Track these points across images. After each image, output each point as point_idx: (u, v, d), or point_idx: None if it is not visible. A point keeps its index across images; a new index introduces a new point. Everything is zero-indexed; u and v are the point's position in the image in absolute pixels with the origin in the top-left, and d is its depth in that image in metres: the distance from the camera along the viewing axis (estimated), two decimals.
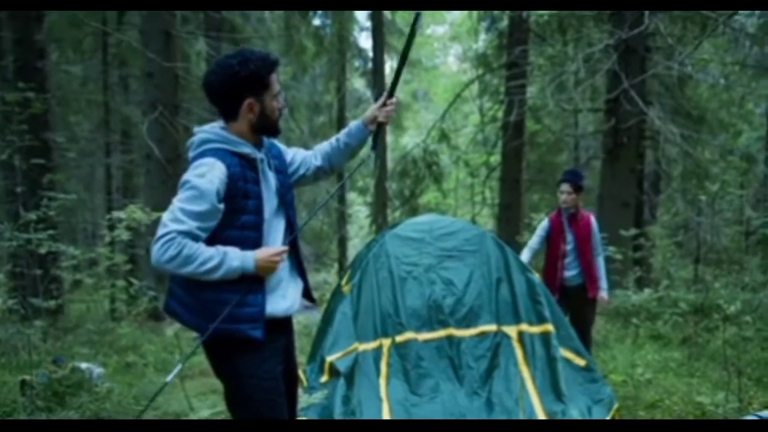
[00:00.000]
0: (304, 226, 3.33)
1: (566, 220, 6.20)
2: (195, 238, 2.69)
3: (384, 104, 3.22)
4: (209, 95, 2.91)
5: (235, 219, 2.82)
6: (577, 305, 6.19)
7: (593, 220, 6.25)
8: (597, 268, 6.21)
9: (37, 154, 8.97)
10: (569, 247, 6.18)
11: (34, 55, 10.04)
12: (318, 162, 3.28)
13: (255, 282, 2.85)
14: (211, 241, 2.74)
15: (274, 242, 2.96)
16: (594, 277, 6.16)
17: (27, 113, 8.01)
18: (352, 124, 3.29)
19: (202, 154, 2.82)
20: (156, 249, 2.65)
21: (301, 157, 3.26)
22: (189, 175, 2.75)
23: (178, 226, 2.66)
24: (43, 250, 6.91)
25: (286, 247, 2.93)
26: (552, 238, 6.27)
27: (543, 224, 6.39)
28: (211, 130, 2.90)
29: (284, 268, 3.00)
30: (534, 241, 6.39)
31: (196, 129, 2.95)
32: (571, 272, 6.20)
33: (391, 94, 3.23)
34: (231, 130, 2.90)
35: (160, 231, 2.66)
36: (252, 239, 2.87)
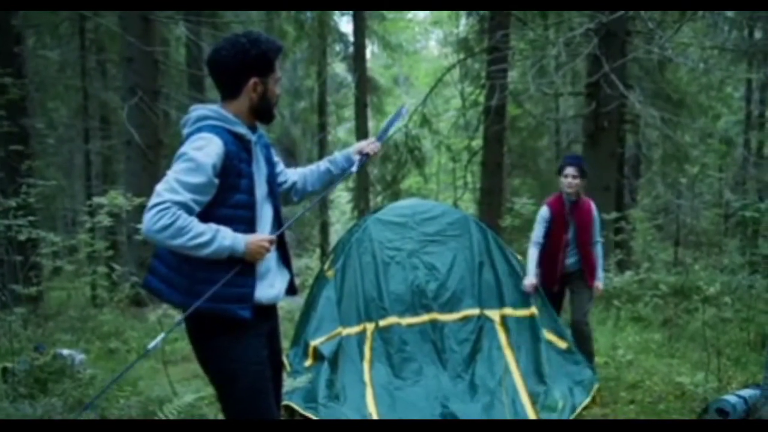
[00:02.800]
0: (297, 219, 3.32)
1: (569, 209, 5.78)
2: (189, 210, 2.66)
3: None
4: (214, 71, 2.90)
5: (229, 197, 2.80)
6: (576, 289, 5.90)
7: (594, 206, 5.87)
8: (595, 256, 5.87)
9: (15, 140, 8.89)
10: (570, 236, 5.80)
11: (10, 41, 9.92)
12: (294, 178, 3.30)
13: (247, 265, 2.84)
14: (203, 219, 2.71)
15: (264, 227, 2.96)
16: (592, 265, 5.82)
17: (4, 99, 7.92)
18: (337, 154, 3.35)
19: (199, 130, 2.80)
20: (149, 217, 2.60)
21: (282, 166, 3.27)
22: (186, 148, 2.73)
23: (173, 196, 2.62)
24: (22, 237, 6.86)
25: (274, 237, 2.93)
26: (553, 228, 5.81)
27: (543, 214, 5.84)
28: (208, 107, 2.90)
29: (272, 258, 3.00)
30: (538, 234, 5.85)
31: (192, 107, 2.94)
32: (570, 259, 5.85)
33: (379, 139, 3.39)
34: (229, 108, 2.89)
35: (154, 200, 2.62)
36: (245, 219, 2.86)
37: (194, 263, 2.75)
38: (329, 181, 3.36)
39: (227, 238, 2.72)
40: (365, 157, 3.32)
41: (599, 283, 5.87)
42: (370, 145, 3.33)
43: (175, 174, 2.67)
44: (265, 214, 2.98)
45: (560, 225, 5.81)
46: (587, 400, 5.22)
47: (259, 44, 2.83)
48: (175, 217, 2.60)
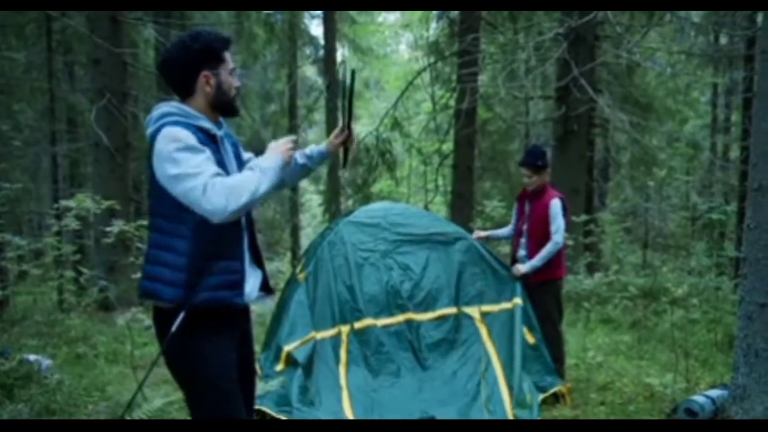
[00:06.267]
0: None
1: (528, 198, 5.86)
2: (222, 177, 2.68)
3: (342, 134, 3.27)
4: (165, 73, 2.88)
5: None
6: (528, 289, 5.78)
7: (555, 202, 5.67)
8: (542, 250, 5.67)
9: None
10: (525, 226, 5.84)
11: None
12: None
13: (237, 250, 2.88)
14: (181, 206, 2.69)
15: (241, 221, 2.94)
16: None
17: None
18: (314, 148, 3.29)
19: (163, 126, 2.76)
20: (206, 207, 2.59)
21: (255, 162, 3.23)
22: (164, 147, 2.67)
23: (205, 177, 2.61)
24: None
25: (294, 137, 2.96)
26: (518, 215, 5.99)
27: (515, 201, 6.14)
28: (171, 104, 2.86)
29: (245, 259, 2.97)
30: (512, 220, 6.13)
31: (155, 106, 2.90)
32: (521, 251, 5.86)
33: (348, 128, 3.27)
34: (191, 107, 2.87)
35: (196, 193, 2.59)
36: None
37: (201, 259, 2.73)
38: (305, 174, 3.35)
39: (264, 161, 2.78)
40: (346, 151, 3.31)
41: (520, 266, 5.73)
42: (339, 137, 3.27)
43: (183, 168, 2.63)
44: None
45: (520, 212, 5.98)
46: (541, 396, 5.26)
47: (200, 38, 2.83)
48: (222, 184, 2.61)
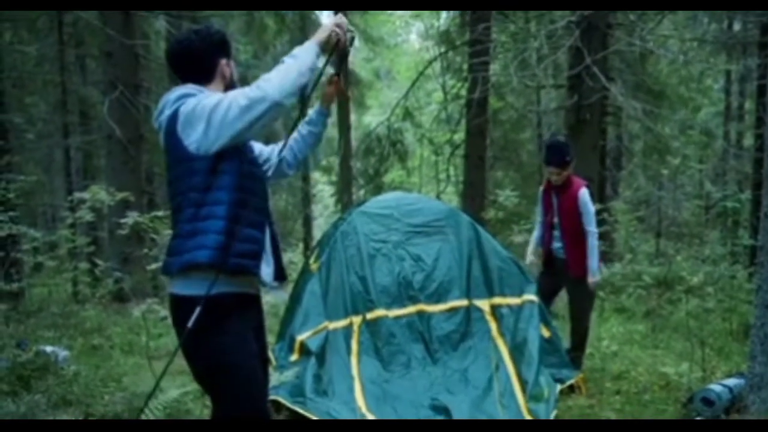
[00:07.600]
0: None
1: (554, 191, 5.86)
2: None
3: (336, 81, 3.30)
4: (185, 59, 2.92)
5: (242, 154, 2.85)
6: (561, 281, 5.91)
7: (582, 192, 5.70)
8: (584, 246, 5.69)
9: None
10: (556, 219, 5.86)
11: None
12: (282, 152, 3.24)
13: (262, 222, 2.90)
14: (212, 174, 2.74)
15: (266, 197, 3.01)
16: (575, 256, 5.73)
17: None
18: (310, 113, 3.33)
19: (183, 104, 2.78)
20: (252, 95, 2.64)
21: (258, 147, 3.23)
22: (190, 107, 2.74)
23: (234, 97, 2.67)
24: (2, 233, 6.79)
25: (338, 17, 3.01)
26: (545, 209, 5.99)
27: (539, 194, 6.12)
28: (189, 86, 2.89)
29: (266, 236, 2.97)
30: (536, 212, 6.19)
31: (166, 94, 2.92)
32: (556, 244, 5.89)
33: (338, 75, 3.30)
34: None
35: (238, 100, 2.65)
36: (258, 175, 2.96)
37: (234, 223, 2.75)
38: (315, 142, 3.34)
39: (296, 50, 2.86)
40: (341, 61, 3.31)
41: (591, 277, 5.69)
42: (332, 85, 3.30)
43: (215, 99, 2.70)
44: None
45: (547, 206, 5.96)
46: (559, 388, 5.24)
47: (215, 30, 2.98)
48: (256, 82, 2.69)
